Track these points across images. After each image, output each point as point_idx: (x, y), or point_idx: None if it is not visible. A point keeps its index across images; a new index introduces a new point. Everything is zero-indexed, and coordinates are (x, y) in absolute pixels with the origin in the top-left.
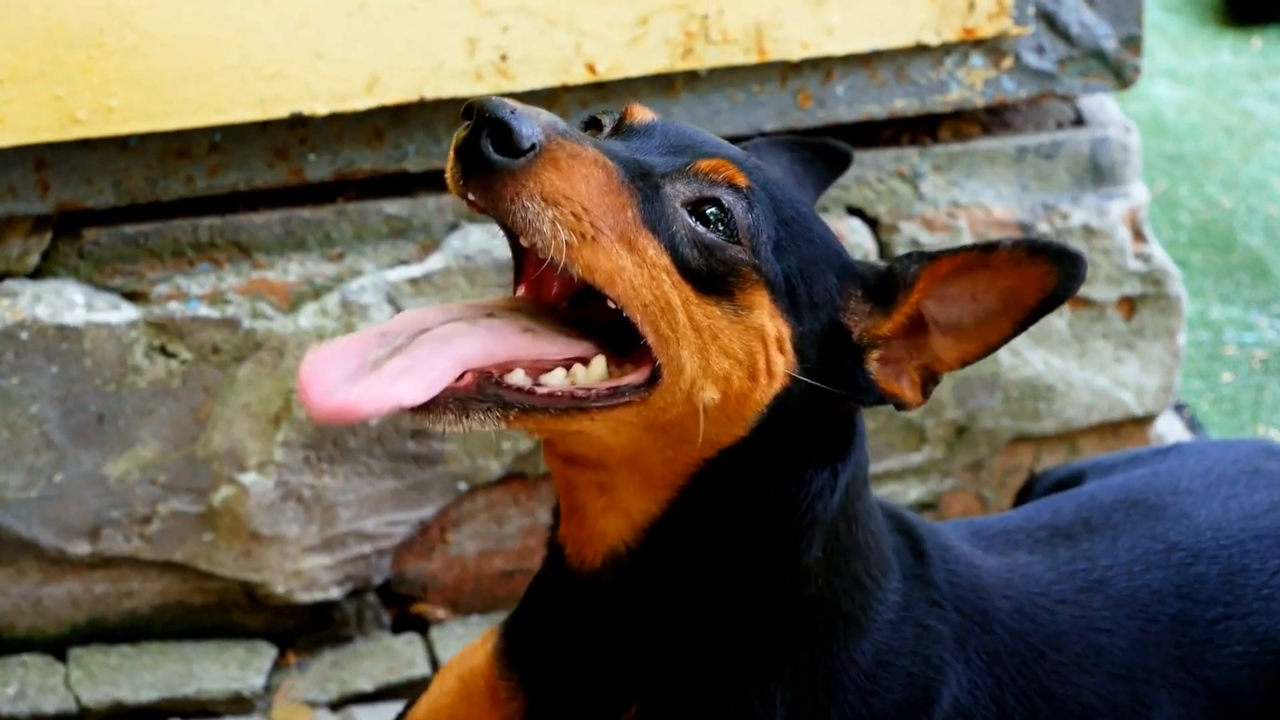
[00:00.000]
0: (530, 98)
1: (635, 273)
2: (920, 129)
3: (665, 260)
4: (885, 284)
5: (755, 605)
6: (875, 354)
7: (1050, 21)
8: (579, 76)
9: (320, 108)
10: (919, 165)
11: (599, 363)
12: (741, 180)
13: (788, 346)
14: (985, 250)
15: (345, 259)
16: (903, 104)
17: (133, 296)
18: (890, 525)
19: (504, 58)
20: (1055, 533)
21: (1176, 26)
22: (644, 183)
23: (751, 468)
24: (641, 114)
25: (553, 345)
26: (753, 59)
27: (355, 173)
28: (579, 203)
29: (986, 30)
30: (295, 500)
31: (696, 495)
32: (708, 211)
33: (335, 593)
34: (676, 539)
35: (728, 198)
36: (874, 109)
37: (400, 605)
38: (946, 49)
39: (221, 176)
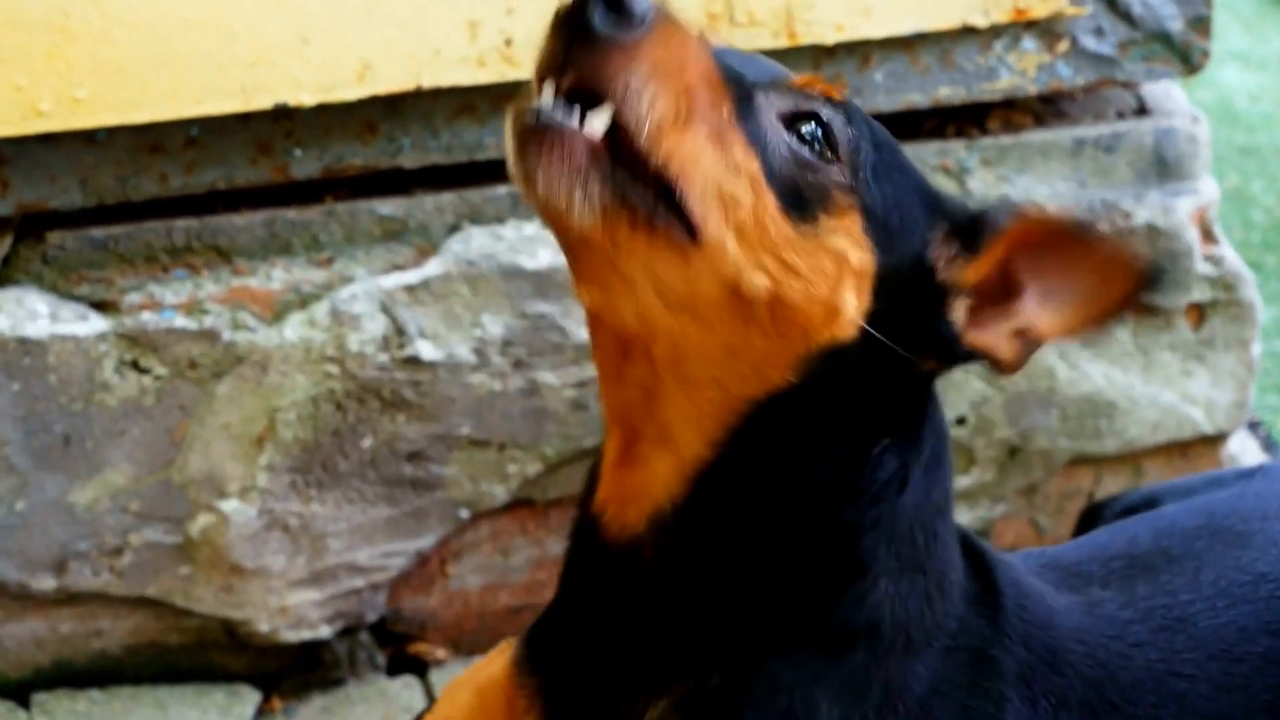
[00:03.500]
0: None
1: (714, 167)
2: (967, 119)
3: (754, 166)
4: (973, 225)
5: (805, 599)
6: (962, 303)
7: (1110, 1)
8: None
9: (307, 98)
10: (966, 159)
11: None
12: (837, 94)
13: (866, 287)
14: (1078, 227)
15: (335, 264)
16: (948, 92)
17: (101, 306)
18: (959, 543)
19: (509, 42)
20: (1133, 564)
21: (1249, 6)
22: (739, 87)
23: (805, 426)
24: (714, 39)
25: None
26: (782, 43)
27: (345, 169)
28: (683, 82)
29: (1040, 10)
30: (281, 530)
31: (747, 445)
32: (803, 127)
33: (325, 631)
34: (726, 502)
35: (825, 111)
36: (916, 98)
37: (396, 645)
38: (996, 31)
39: (198, 174)
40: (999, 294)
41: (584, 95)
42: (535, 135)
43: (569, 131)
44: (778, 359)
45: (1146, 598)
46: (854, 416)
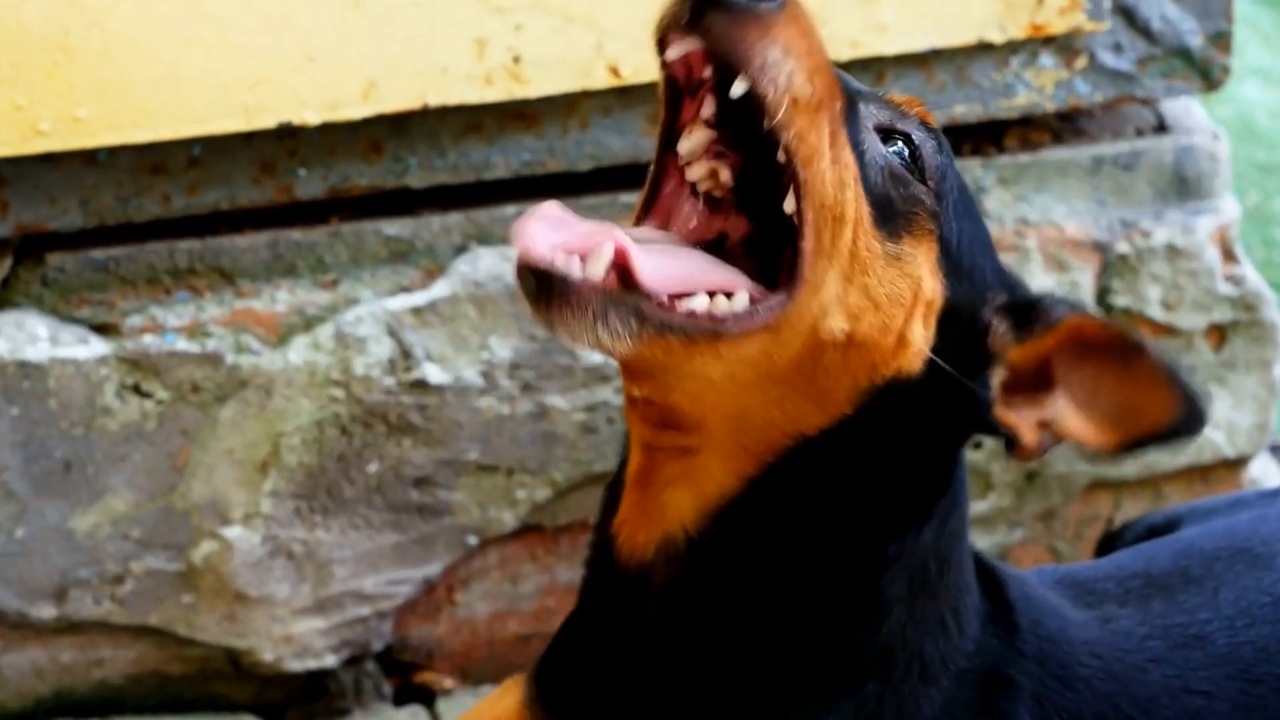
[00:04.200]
0: (546, 104)
1: (831, 165)
2: (984, 137)
3: (856, 169)
4: (1029, 308)
5: (819, 634)
6: (1000, 373)
7: (1129, 16)
8: (601, 80)
9: (311, 117)
10: (983, 178)
11: (743, 295)
12: (932, 120)
13: (933, 318)
14: (1131, 345)
15: (340, 286)
16: (964, 109)
17: (102, 329)
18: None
19: (517, 60)
20: (1150, 583)
21: (1269, 21)
22: (846, 88)
23: (846, 463)
24: None
25: (705, 272)
26: None
27: (351, 189)
28: (817, 62)
29: (1057, 26)
30: (285, 557)
31: (780, 479)
32: (897, 145)
33: (330, 660)
34: (743, 534)
35: (918, 134)
36: (932, 115)
37: (403, 674)
38: (1012, 47)
39: (201, 194)
40: (1032, 382)
41: (715, 60)
42: (542, 294)
43: (572, 283)
44: (838, 395)
45: (1163, 615)
46: (897, 449)
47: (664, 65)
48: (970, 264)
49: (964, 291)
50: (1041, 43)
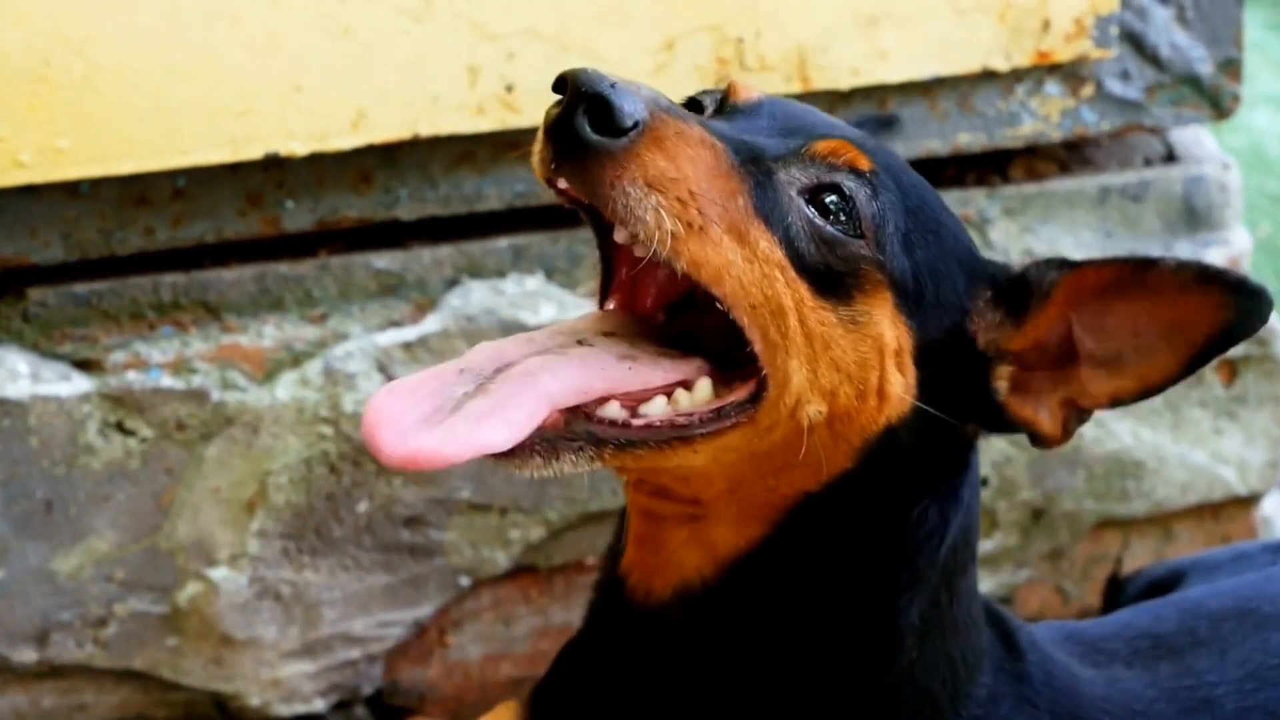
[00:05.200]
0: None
1: (745, 269)
2: (988, 167)
3: (779, 255)
4: (1017, 289)
5: (839, 668)
6: (1005, 371)
7: (1137, 43)
8: None
9: (299, 147)
10: (987, 208)
11: (704, 385)
12: (864, 164)
13: (907, 362)
14: (1140, 267)
15: (328, 321)
16: (968, 139)
17: (85, 365)
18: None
19: (510, 88)
20: (1158, 644)
21: None
22: (755, 167)
23: (855, 505)
24: (747, 91)
25: (654, 372)
26: (795, 88)
27: (339, 222)
28: (686, 187)
29: (1063, 54)
30: (272, 599)
31: (791, 532)
32: (827, 200)
33: (319, 705)
34: (760, 579)
35: (849, 184)
36: (935, 144)
37: (394, 718)
38: (1017, 75)
39: (186, 227)
40: (1055, 362)
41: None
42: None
43: (519, 457)
44: (834, 458)
45: (1172, 678)
46: (902, 486)
47: (559, 192)
48: (935, 290)
49: (935, 320)
50: (1047, 70)
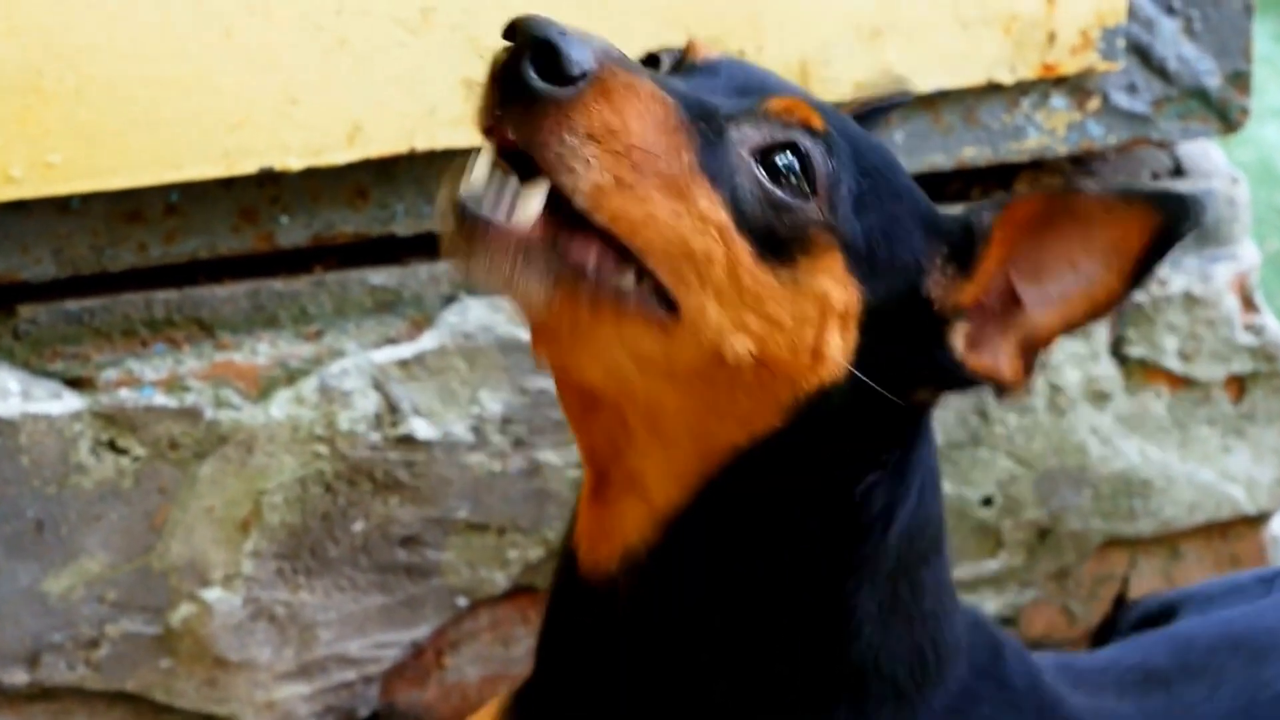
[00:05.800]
0: None
1: (675, 224)
2: (993, 181)
3: (720, 215)
4: (965, 240)
5: (787, 649)
6: (962, 327)
7: (1144, 56)
8: None
9: (294, 162)
10: None
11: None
12: (818, 122)
13: (851, 325)
14: (1065, 197)
15: (324, 338)
16: (972, 153)
17: (76, 383)
18: (966, 620)
19: None
20: (1149, 676)
21: None
22: (706, 125)
23: (788, 470)
24: (706, 50)
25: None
26: None
27: (335, 237)
28: (626, 140)
29: (1069, 66)
30: (267, 620)
31: (725, 495)
32: (778, 161)
33: None
34: (700, 546)
35: (804, 142)
36: (939, 159)
37: None
38: (1023, 89)
39: (179, 243)
40: (1001, 307)
41: (522, 158)
42: (464, 232)
43: (496, 227)
44: (763, 410)
45: (1163, 711)
46: (840, 455)
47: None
48: (890, 254)
49: (889, 282)
50: (1053, 83)
